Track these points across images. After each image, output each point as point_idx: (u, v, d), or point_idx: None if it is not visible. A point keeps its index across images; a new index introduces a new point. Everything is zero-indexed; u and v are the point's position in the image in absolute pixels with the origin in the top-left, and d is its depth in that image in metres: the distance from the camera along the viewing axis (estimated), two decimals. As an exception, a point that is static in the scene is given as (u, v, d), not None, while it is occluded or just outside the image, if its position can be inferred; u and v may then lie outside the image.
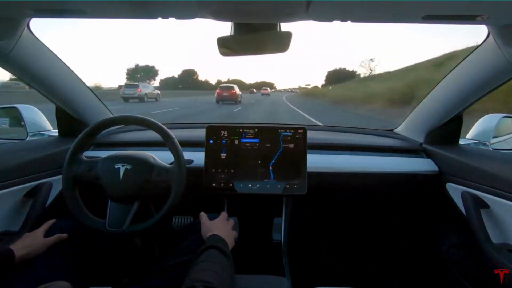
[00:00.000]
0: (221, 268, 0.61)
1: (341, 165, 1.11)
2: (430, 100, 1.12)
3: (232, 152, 1.02)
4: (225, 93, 17.76)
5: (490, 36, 0.76)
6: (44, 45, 0.89)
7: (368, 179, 1.11)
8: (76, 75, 1.08)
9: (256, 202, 1.11)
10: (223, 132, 1.02)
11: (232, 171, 1.02)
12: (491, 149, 1.26)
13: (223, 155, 1.02)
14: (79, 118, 1.14)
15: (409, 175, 1.10)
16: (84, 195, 0.86)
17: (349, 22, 0.66)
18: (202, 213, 0.84)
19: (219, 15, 0.67)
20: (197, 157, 1.00)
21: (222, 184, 1.01)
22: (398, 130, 1.36)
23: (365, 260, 1.39)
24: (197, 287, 0.52)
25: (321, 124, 6.29)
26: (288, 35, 0.77)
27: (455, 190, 0.98)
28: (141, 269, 0.79)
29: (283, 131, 1.02)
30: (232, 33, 0.77)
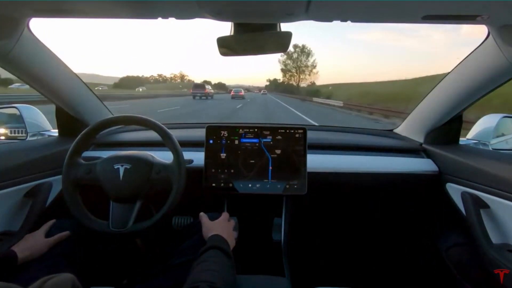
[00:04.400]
0: (224, 268, 0.61)
1: (341, 165, 1.11)
2: (430, 100, 1.12)
3: (232, 152, 1.02)
4: (199, 91, 25.05)
5: (490, 36, 0.76)
6: (44, 45, 0.89)
7: (368, 179, 1.11)
8: (76, 75, 1.08)
9: (256, 202, 1.11)
10: (223, 132, 1.02)
11: (232, 171, 1.02)
12: (491, 149, 1.26)
13: (223, 155, 1.02)
14: (79, 118, 1.14)
15: (409, 175, 1.10)
16: (85, 197, 0.86)
17: (349, 22, 0.66)
18: (202, 214, 0.84)
19: (219, 15, 0.67)
20: (197, 157, 1.00)
21: (222, 184, 1.01)
22: (398, 130, 1.36)
23: (365, 260, 1.39)
24: (200, 286, 0.52)
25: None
26: (288, 35, 0.77)
27: (455, 190, 0.98)
28: (142, 270, 0.79)
29: (283, 131, 1.02)
30: (232, 33, 0.77)
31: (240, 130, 1.03)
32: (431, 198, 1.15)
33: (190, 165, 0.95)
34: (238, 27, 0.76)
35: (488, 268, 0.81)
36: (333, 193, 1.19)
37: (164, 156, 0.93)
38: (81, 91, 1.12)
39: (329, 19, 0.65)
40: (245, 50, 0.87)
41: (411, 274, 1.28)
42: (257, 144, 1.02)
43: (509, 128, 1.44)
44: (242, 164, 1.02)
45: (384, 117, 12.16)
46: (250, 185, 1.01)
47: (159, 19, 0.66)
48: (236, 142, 1.02)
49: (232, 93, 29.38)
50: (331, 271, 1.35)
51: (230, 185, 1.01)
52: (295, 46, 68.15)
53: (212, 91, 30.04)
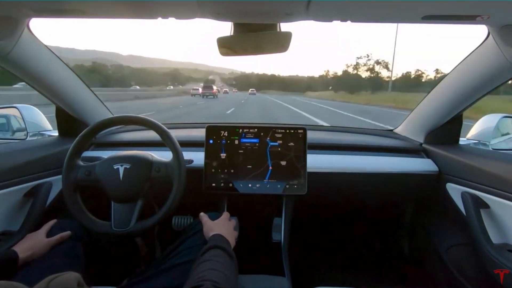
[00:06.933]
0: (226, 267, 0.61)
1: (341, 165, 1.11)
2: (430, 100, 1.12)
3: (232, 152, 1.02)
4: (208, 91, 28.87)
5: (490, 36, 0.76)
6: (44, 45, 0.89)
7: (368, 179, 1.11)
8: (76, 75, 1.08)
9: (256, 202, 1.11)
10: (223, 132, 1.02)
11: (232, 171, 1.02)
12: (491, 149, 1.26)
13: (223, 155, 1.02)
14: (79, 118, 1.14)
15: (409, 175, 1.10)
16: (85, 198, 0.86)
17: (349, 22, 0.66)
18: (202, 214, 0.84)
19: (219, 15, 0.67)
20: (197, 157, 1.00)
21: (222, 184, 1.01)
22: (398, 130, 1.36)
23: (365, 260, 1.39)
24: (205, 285, 0.51)
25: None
26: (288, 35, 0.77)
27: (455, 190, 0.98)
28: (143, 269, 0.79)
29: (283, 131, 1.02)
30: (232, 33, 0.77)
31: (240, 130, 1.03)
32: (431, 198, 1.15)
33: (190, 165, 0.95)
34: (238, 27, 0.76)
35: (488, 268, 0.81)
36: (333, 193, 1.19)
37: (164, 156, 0.93)
38: (81, 91, 1.12)
39: (329, 19, 0.65)
40: (245, 50, 0.87)
41: (411, 273, 1.29)
42: (257, 144, 1.02)
43: (509, 128, 1.44)
44: (242, 164, 1.02)
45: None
46: (250, 185, 1.01)
47: (159, 19, 0.66)
48: (236, 142, 1.02)
49: None
50: (331, 271, 1.35)
51: (230, 185, 1.01)
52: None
53: (217, 90, 33.03)
